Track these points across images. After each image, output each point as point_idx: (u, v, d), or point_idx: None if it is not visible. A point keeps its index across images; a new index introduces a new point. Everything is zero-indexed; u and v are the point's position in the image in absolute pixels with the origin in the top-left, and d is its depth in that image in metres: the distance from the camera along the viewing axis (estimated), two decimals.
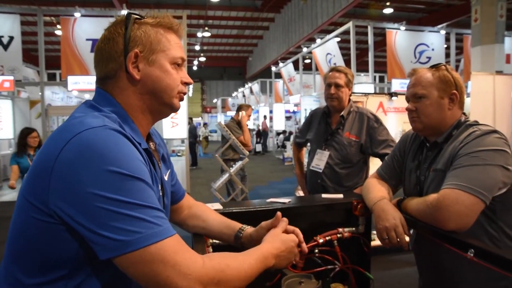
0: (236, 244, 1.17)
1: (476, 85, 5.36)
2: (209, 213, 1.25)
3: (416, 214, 1.29)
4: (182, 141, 9.55)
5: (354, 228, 1.49)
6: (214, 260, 0.82)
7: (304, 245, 1.13)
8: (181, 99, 1.00)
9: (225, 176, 3.95)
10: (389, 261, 3.94)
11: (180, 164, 9.19)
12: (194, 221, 1.23)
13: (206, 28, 19.10)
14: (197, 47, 22.49)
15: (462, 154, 1.25)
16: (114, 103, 0.92)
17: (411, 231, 1.47)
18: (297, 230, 1.13)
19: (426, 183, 1.41)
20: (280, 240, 1.04)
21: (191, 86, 28.35)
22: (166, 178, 1.06)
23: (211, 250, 1.30)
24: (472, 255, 1.02)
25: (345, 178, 2.48)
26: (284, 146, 16.16)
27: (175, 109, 0.98)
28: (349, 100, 2.57)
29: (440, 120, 1.40)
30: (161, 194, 0.98)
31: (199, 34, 19.46)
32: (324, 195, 1.67)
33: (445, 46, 8.74)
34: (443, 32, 8.61)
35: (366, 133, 2.47)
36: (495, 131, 1.28)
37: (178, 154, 9.25)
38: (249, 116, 4.75)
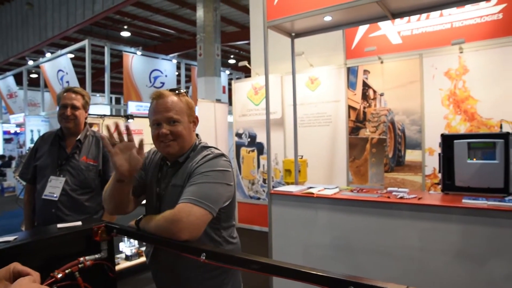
0: None
1: (202, 110, 6.20)
2: None
3: (156, 230, 1.37)
4: None
5: (97, 255, 1.45)
6: None
7: None
8: None
9: None
10: (136, 281, 3.99)
11: None
12: None
13: None
14: None
15: (197, 173, 1.45)
16: None
17: (144, 248, 1.55)
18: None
19: (165, 197, 1.53)
20: None
21: None
22: None
23: None
24: (204, 258, 1.21)
25: (85, 204, 2.36)
26: (3, 174, 13.51)
27: None
28: (85, 123, 2.50)
29: (189, 142, 1.56)
30: None
31: None
32: (59, 225, 1.56)
33: (177, 73, 9.68)
34: (174, 61, 9.52)
35: (103, 157, 2.45)
36: (223, 155, 1.54)
37: None
38: None
